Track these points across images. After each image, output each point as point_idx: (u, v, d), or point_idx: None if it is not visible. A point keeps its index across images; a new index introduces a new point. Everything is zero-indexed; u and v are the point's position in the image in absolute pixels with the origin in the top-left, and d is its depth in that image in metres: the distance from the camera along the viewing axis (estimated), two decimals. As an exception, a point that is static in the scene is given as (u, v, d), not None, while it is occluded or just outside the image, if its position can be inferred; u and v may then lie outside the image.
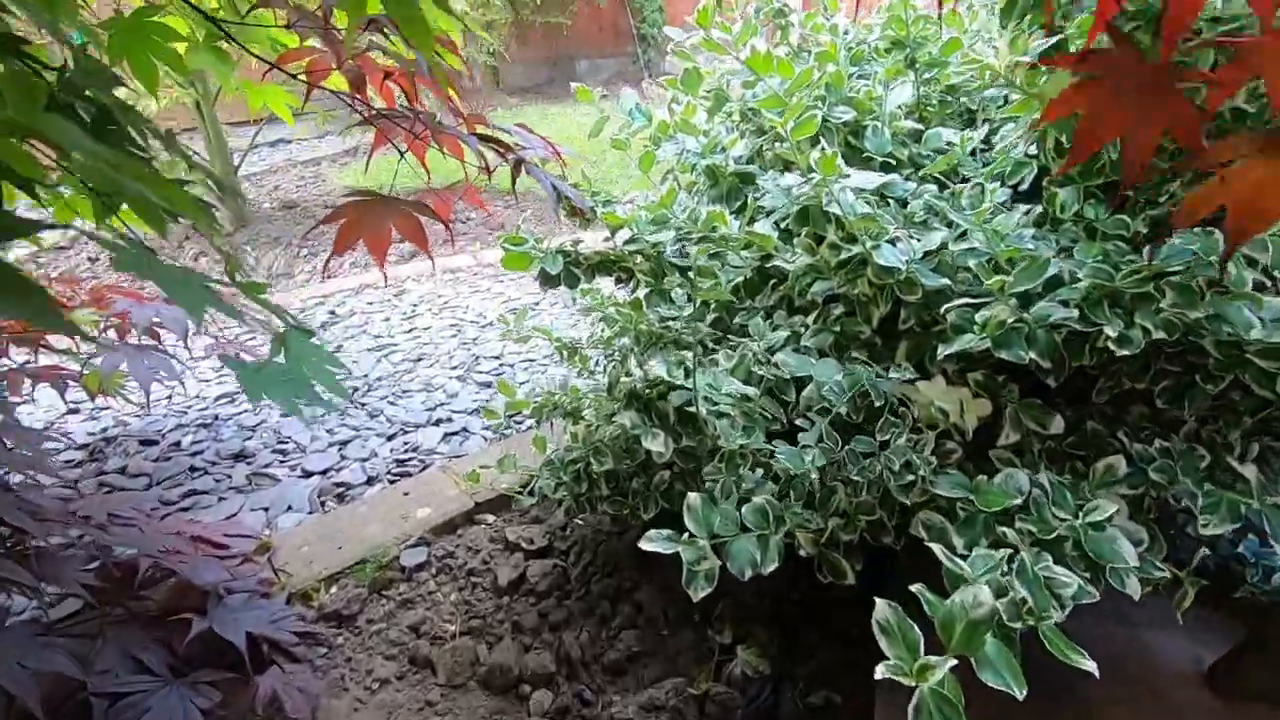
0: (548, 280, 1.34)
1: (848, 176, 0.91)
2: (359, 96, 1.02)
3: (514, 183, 1.07)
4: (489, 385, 2.13)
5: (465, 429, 1.89)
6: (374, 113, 1.03)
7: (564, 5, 8.27)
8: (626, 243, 1.29)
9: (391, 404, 2.05)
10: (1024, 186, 1.06)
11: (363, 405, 2.03)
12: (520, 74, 9.80)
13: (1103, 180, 0.95)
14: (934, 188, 1.13)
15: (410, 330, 2.55)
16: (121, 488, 1.69)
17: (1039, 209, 1.01)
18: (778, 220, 1.14)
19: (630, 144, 1.42)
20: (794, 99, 1.05)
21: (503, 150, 1.07)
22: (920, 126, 1.12)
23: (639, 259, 1.31)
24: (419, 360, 2.32)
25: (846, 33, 1.35)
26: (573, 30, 8.92)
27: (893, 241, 0.96)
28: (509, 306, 2.68)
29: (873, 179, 0.99)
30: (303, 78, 1.03)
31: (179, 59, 0.97)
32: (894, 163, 1.16)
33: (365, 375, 2.23)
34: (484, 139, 1.03)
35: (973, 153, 1.11)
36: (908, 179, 1.16)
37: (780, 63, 1.10)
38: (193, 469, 1.77)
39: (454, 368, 2.25)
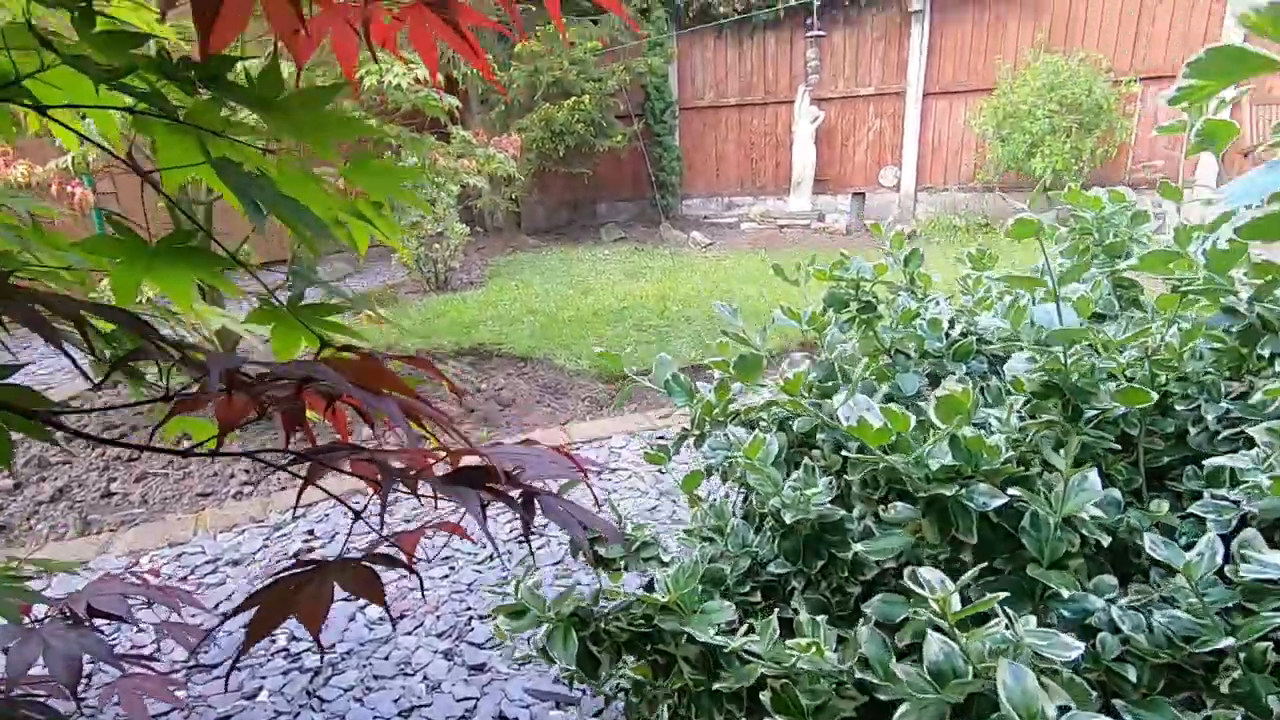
0: (550, 659, 1.00)
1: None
2: (299, 429, 0.72)
3: (528, 539, 0.74)
4: (481, 668, 1.73)
5: (445, 756, 1.47)
6: (308, 449, 0.75)
7: (586, 157, 8.47)
8: (663, 610, 0.95)
9: (358, 700, 1.64)
10: None
11: (324, 704, 1.62)
12: (541, 215, 9.99)
13: None
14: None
15: (394, 568, 2.17)
16: None
17: None
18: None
19: (669, 457, 1.10)
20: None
21: (501, 489, 0.76)
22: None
23: (682, 640, 0.95)
24: (401, 618, 1.93)
25: (952, 324, 1.05)
26: (592, 175, 9.11)
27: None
28: (516, 533, 2.32)
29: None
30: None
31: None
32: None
33: (335, 643, 1.83)
34: (470, 476, 0.74)
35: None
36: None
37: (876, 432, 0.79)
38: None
39: (441, 634, 1.85)
